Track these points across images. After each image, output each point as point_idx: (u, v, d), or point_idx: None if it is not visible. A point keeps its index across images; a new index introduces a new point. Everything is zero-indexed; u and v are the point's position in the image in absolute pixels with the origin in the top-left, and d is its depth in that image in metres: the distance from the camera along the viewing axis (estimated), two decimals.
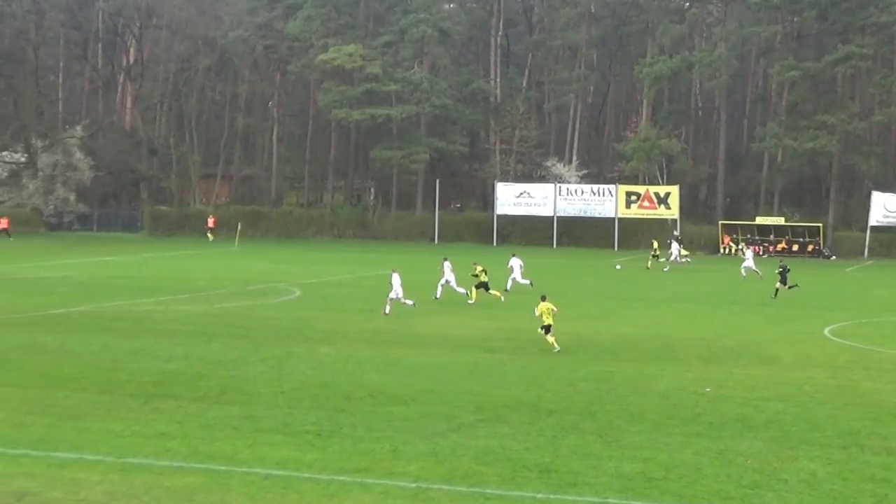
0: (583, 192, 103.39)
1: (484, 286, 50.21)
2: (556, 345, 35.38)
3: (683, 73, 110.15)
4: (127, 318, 42.75)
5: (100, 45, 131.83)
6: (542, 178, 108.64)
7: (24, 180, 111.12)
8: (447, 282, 51.15)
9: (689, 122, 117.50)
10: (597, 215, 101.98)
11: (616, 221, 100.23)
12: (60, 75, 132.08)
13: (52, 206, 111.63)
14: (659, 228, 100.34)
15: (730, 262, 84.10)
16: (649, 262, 75.74)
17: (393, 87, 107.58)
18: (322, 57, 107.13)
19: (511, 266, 56.56)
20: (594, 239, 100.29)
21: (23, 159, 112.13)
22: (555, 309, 35.70)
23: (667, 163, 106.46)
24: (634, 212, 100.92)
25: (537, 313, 35.78)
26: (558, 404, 26.98)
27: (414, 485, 19.72)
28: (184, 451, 21.76)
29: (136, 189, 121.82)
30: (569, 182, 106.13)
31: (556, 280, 66.42)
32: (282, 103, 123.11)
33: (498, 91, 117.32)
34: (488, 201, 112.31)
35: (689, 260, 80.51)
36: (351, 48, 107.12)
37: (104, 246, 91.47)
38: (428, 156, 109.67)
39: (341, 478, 20.09)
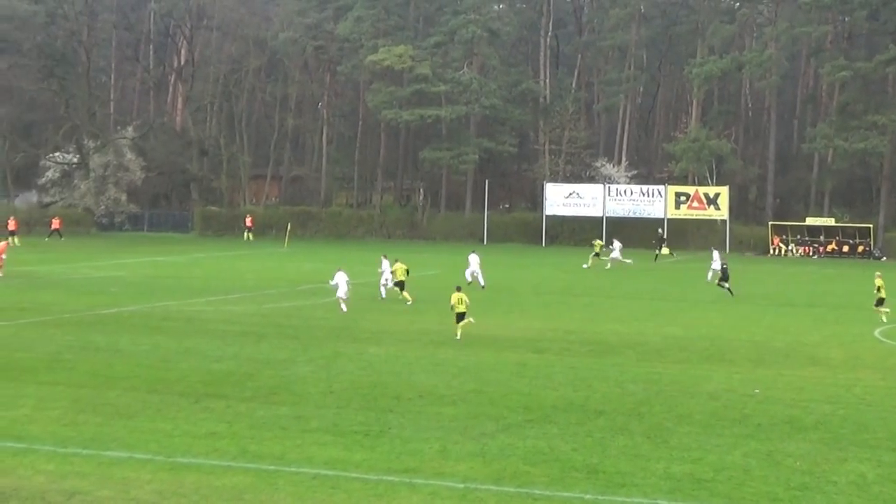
0: (632, 193, 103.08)
1: (400, 285, 50.66)
2: (459, 333, 37.86)
3: (733, 74, 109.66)
4: (177, 317, 43.01)
5: (151, 47, 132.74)
6: (591, 179, 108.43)
7: (76, 181, 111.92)
8: (386, 280, 51.68)
9: (739, 123, 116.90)
10: (646, 216, 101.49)
11: (665, 222, 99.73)
12: (112, 76, 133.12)
13: (103, 207, 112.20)
14: (708, 229, 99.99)
15: (779, 264, 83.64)
16: (590, 261, 75.17)
17: (442, 87, 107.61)
18: (372, 58, 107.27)
19: (469, 260, 59.46)
20: (643, 240, 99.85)
21: (75, 160, 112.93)
22: (467, 300, 38.28)
23: (716, 163, 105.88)
24: (684, 212, 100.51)
25: (452, 303, 38.25)
26: (607, 405, 26.94)
27: (462, 485, 19.75)
28: (233, 451, 21.89)
29: (186, 189, 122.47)
30: (618, 182, 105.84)
31: (603, 280, 66.31)
32: (331, 104, 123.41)
33: (547, 91, 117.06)
34: (537, 202, 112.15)
35: (631, 261, 79.58)
36: (400, 49, 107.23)
37: (155, 246, 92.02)
38: (477, 156, 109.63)
39: (389, 478, 20.16)
